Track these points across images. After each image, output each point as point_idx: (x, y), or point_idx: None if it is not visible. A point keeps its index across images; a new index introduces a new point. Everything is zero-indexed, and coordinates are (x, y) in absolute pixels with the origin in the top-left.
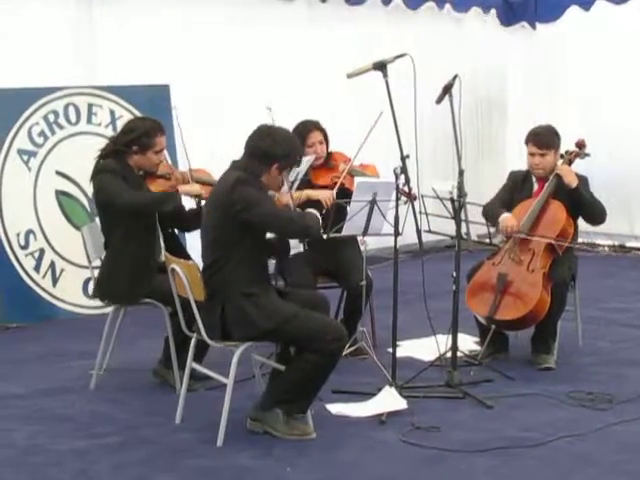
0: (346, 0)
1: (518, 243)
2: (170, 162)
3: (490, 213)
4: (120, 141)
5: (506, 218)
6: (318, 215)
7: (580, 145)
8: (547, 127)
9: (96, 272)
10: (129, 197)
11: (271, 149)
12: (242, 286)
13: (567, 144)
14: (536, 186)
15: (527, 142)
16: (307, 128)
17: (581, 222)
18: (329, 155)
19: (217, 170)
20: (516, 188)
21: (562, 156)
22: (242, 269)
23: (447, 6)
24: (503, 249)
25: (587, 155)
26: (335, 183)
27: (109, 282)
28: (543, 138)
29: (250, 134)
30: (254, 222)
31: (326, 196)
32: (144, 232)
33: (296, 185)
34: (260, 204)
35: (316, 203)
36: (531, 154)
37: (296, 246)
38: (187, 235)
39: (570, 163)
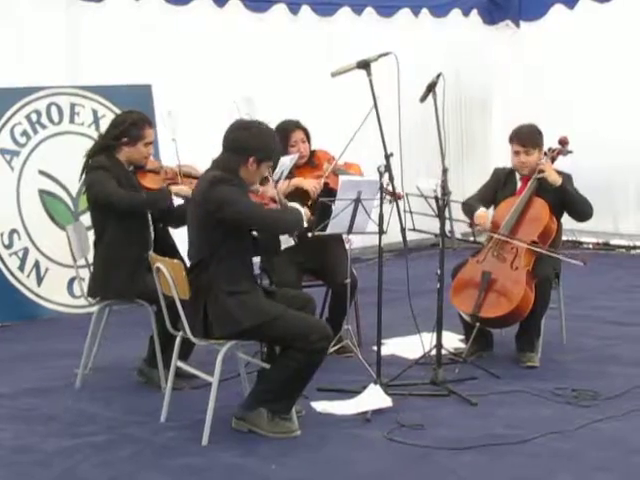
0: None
1: (501, 241)
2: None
3: (467, 209)
4: (110, 135)
5: (478, 216)
6: (300, 208)
7: (563, 142)
8: (530, 126)
9: (81, 272)
10: (125, 196)
11: (246, 142)
12: (226, 285)
13: (551, 142)
14: (519, 184)
15: (511, 141)
16: (289, 128)
17: (566, 220)
18: (312, 153)
19: (201, 168)
20: (499, 185)
21: (545, 154)
22: (226, 268)
23: (424, 10)
24: (487, 247)
25: (570, 152)
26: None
27: (106, 278)
28: (527, 136)
29: (227, 128)
30: (228, 221)
31: (313, 185)
32: (138, 227)
33: (281, 182)
34: (235, 203)
35: (303, 193)
36: (516, 152)
37: (286, 241)
38: (174, 231)
39: (553, 160)
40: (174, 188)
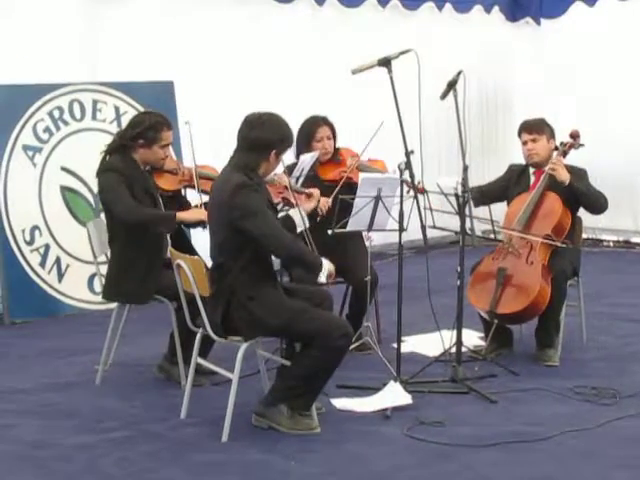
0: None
1: (515, 237)
2: (175, 158)
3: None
4: (126, 135)
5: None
6: (325, 261)
7: (574, 136)
8: (536, 118)
9: (102, 268)
10: (127, 208)
11: (267, 137)
12: (248, 289)
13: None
14: (533, 179)
15: (519, 134)
16: (316, 123)
17: (586, 218)
18: (336, 150)
19: (221, 167)
20: (511, 181)
21: (557, 148)
22: (248, 272)
23: (448, 5)
24: (502, 244)
25: (582, 145)
26: (342, 177)
27: (119, 281)
28: (532, 124)
29: (240, 126)
30: (250, 232)
31: (322, 204)
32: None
33: (301, 181)
34: (259, 215)
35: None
36: (524, 142)
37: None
38: (192, 230)
39: (565, 154)
40: (180, 215)
